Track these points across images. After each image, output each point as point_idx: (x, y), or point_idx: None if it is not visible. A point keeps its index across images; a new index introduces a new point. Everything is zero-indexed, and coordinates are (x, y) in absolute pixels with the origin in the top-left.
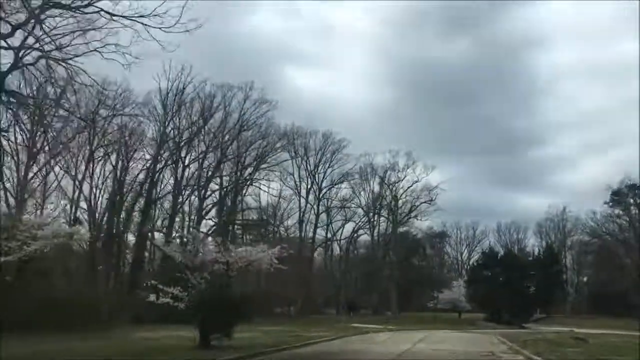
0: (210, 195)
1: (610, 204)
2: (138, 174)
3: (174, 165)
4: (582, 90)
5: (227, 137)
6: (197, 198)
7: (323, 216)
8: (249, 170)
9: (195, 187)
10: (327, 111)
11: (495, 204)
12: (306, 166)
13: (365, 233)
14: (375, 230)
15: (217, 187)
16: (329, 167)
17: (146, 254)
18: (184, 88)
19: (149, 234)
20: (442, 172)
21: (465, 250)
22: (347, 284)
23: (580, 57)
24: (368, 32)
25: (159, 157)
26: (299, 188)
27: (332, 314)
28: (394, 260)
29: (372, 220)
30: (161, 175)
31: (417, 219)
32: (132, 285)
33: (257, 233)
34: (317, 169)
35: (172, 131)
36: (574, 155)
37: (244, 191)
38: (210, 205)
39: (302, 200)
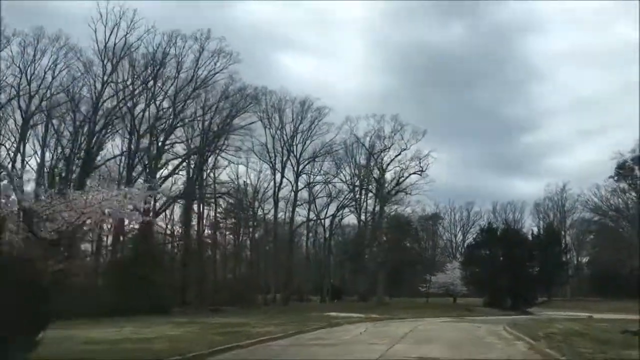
0: (164, 167)
1: (616, 177)
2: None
3: (126, 128)
4: (576, 76)
5: (181, 95)
6: (148, 169)
7: (303, 194)
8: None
9: (145, 156)
10: (316, 94)
11: (490, 189)
12: (281, 136)
13: (352, 212)
14: (362, 209)
15: (172, 157)
16: (308, 137)
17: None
18: (125, 35)
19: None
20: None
21: (460, 233)
22: (332, 269)
23: (575, 43)
24: (361, 18)
25: (97, 121)
26: (273, 161)
27: (318, 301)
28: (383, 241)
29: (357, 197)
30: (105, 142)
31: (407, 193)
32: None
33: (234, 214)
34: (295, 139)
35: (109, 87)
36: (569, 141)
37: (210, 163)
38: (163, 179)
39: (278, 175)
